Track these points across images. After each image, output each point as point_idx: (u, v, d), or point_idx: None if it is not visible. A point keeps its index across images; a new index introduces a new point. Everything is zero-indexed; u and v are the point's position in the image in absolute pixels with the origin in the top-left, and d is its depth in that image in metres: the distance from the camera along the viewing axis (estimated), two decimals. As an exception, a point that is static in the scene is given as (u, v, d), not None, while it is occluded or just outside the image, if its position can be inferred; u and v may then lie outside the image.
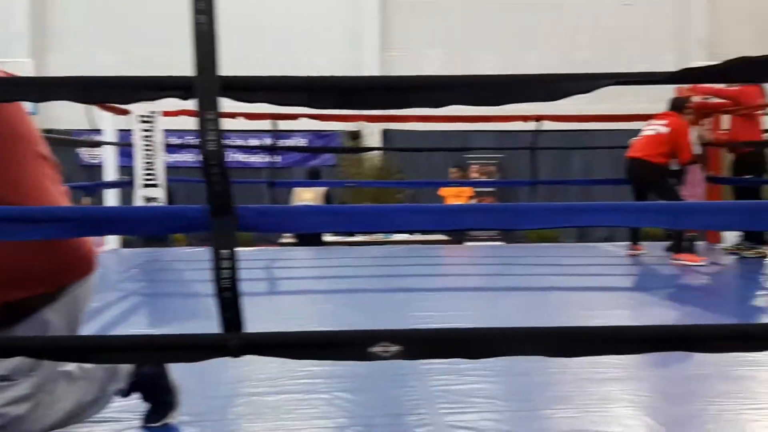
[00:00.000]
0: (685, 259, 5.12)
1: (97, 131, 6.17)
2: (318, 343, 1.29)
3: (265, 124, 6.59)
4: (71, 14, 11.15)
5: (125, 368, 1.88)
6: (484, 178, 11.19)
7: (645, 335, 1.60)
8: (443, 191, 9.69)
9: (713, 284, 4.76)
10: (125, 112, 5.85)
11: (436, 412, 2.13)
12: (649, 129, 5.33)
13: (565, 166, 11.36)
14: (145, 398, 1.95)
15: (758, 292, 4.58)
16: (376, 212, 1.56)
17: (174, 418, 1.98)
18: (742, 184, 5.59)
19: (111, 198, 6.39)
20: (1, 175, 1.49)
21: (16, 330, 1.56)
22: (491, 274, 5.18)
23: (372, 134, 11.49)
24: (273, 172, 8.34)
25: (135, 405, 1.97)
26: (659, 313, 3.67)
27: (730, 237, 5.79)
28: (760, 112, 5.63)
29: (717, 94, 5.73)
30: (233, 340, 1.23)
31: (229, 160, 11.14)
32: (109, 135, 6.16)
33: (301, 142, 11.55)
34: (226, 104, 1.30)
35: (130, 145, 5.83)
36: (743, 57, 1.16)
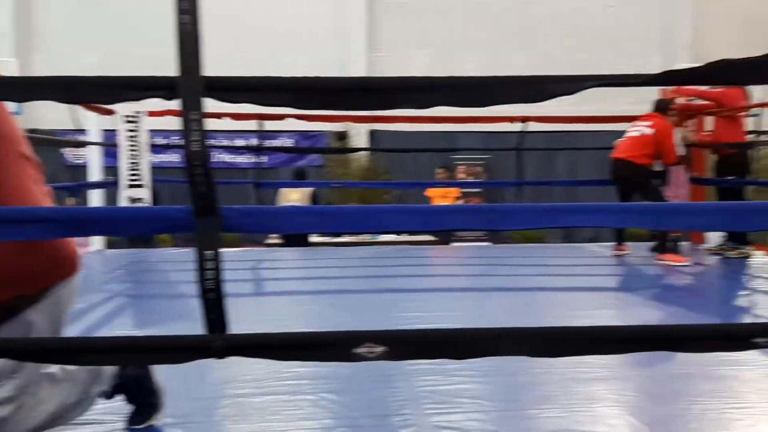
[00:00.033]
0: (670, 260, 5.16)
1: (82, 131, 6.13)
2: (303, 344, 1.29)
3: (252, 125, 6.57)
4: (56, 14, 11.07)
5: (109, 370, 1.87)
6: (470, 179, 11.22)
7: (629, 335, 1.61)
8: (430, 192, 9.71)
9: (697, 284, 4.79)
10: (110, 112, 5.81)
11: (421, 413, 2.13)
12: (634, 130, 5.37)
13: (551, 167, 11.43)
14: (129, 400, 1.94)
15: (741, 292, 4.62)
16: (361, 213, 1.56)
17: (158, 420, 1.97)
18: (726, 185, 5.64)
19: (95, 198, 6.34)
20: (-18, 175, 1.48)
21: (-2, 331, 1.54)
22: (478, 274, 5.19)
23: (359, 135, 11.49)
24: (259, 172, 8.31)
25: (119, 407, 1.95)
26: (644, 313, 3.69)
27: (714, 237, 5.84)
28: (742, 113, 5.68)
29: (700, 95, 5.78)
30: (217, 342, 1.22)
31: (215, 160, 11.11)
32: (94, 135, 6.12)
33: (287, 142, 11.53)
34: (212, 104, 1.29)
35: (114, 145, 5.79)
36: (724, 60, 1.17)
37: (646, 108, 5.48)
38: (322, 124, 9.67)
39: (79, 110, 5.59)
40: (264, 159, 10.79)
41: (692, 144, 5.93)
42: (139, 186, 5.75)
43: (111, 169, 6.05)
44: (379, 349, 1.23)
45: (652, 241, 5.66)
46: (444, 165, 10.52)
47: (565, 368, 2.48)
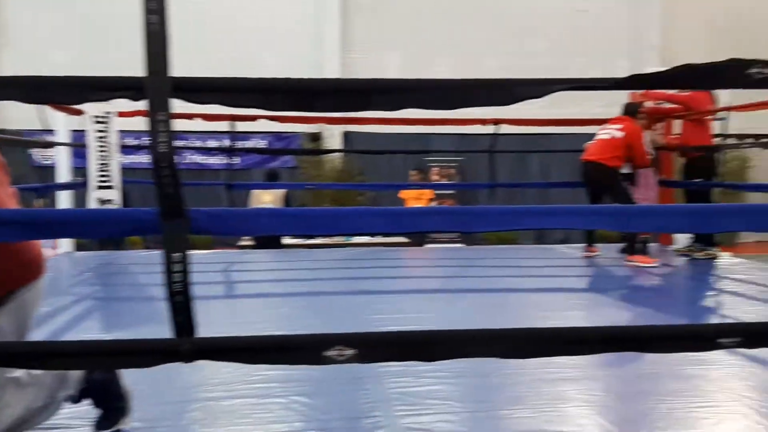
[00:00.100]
0: (638, 261, 5.23)
1: (50, 131, 6.03)
2: (272, 347, 1.28)
3: (225, 126, 6.52)
4: (25, 13, 10.88)
5: (76, 374, 1.84)
6: (444, 181, 11.26)
7: (599, 336, 1.63)
8: (404, 194, 9.72)
9: (665, 285, 4.86)
10: (79, 113, 5.73)
11: (392, 415, 2.13)
12: (604, 133, 5.42)
13: (524, 169, 11.54)
14: (96, 404, 1.92)
15: (708, 293, 4.69)
16: (333, 215, 1.56)
17: (126, 425, 1.94)
18: (693, 187, 5.73)
19: (64, 200, 6.24)
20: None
21: (-40, 336, 1.51)
22: (450, 276, 5.21)
23: (332, 136, 11.48)
24: (231, 174, 8.24)
25: (86, 411, 1.93)
26: (613, 313, 3.74)
27: (682, 239, 5.93)
28: (709, 117, 5.77)
29: (668, 99, 5.86)
30: (185, 345, 1.21)
31: (187, 161, 11.01)
32: (63, 135, 6.02)
33: (261, 143, 11.48)
34: (184, 105, 1.28)
35: (84, 146, 5.70)
36: (688, 64, 1.19)
37: (617, 111, 5.54)
38: (295, 125, 9.66)
39: (48, 110, 5.50)
40: (237, 160, 10.73)
41: (660, 147, 6.02)
42: (109, 187, 5.67)
43: (80, 170, 5.97)
44: (350, 351, 1.23)
45: (621, 243, 5.73)
46: (418, 167, 10.55)
47: (536, 369, 2.50)
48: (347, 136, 11.56)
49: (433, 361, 1.45)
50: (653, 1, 12.23)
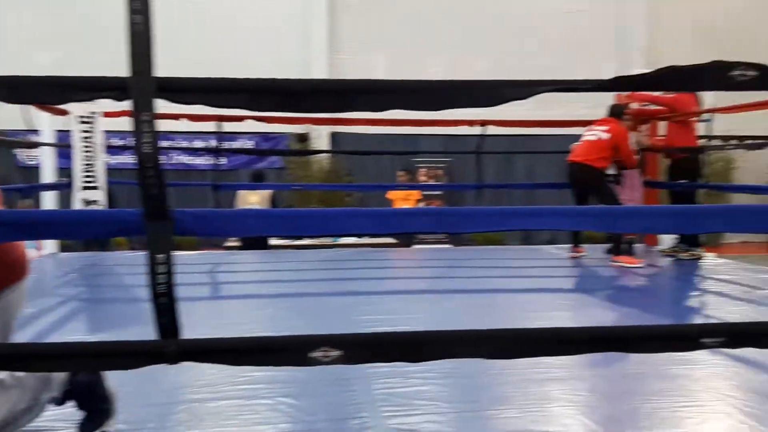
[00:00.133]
0: (624, 262, 5.26)
1: (35, 132, 5.98)
2: (257, 348, 1.27)
3: (211, 126, 6.49)
4: (9, 14, 10.79)
5: (60, 376, 1.82)
6: (431, 182, 11.27)
7: (585, 336, 1.64)
8: (391, 194, 9.71)
9: (650, 286, 4.89)
10: (64, 113, 5.68)
11: (379, 416, 2.13)
12: (590, 134, 5.45)
13: (510, 170, 11.57)
14: (80, 406, 1.90)
15: (692, 294, 4.73)
16: (319, 215, 1.55)
17: (110, 427, 1.93)
18: (678, 188, 5.77)
19: (49, 201, 6.19)
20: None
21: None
22: (438, 276, 5.21)
23: (320, 137, 11.46)
24: (218, 174, 8.20)
25: (70, 413, 1.91)
26: (599, 314, 3.76)
27: (667, 240, 5.97)
28: (694, 119, 5.81)
29: (654, 101, 5.90)
30: (170, 347, 1.20)
31: (173, 162, 10.95)
32: (47, 136, 5.97)
33: (248, 144, 11.44)
34: (170, 105, 1.27)
35: (69, 146, 5.66)
36: (672, 66, 1.20)
37: (602, 112, 5.58)
38: (282, 126, 9.62)
39: (32, 110, 5.45)
40: (223, 161, 10.67)
41: (646, 148, 6.05)
42: (94, 188, 5.63)
43: (65, 171, 5.92)
44: (335, 353, 1.23)
45: (607, 243, 5.76)
46: (405, 168, 10.53)
47: (522, 369, 2.51)
48: (335, 136, 11.54)
49: (420, 361, 1.45)
50: (639, 2, 12.32)
